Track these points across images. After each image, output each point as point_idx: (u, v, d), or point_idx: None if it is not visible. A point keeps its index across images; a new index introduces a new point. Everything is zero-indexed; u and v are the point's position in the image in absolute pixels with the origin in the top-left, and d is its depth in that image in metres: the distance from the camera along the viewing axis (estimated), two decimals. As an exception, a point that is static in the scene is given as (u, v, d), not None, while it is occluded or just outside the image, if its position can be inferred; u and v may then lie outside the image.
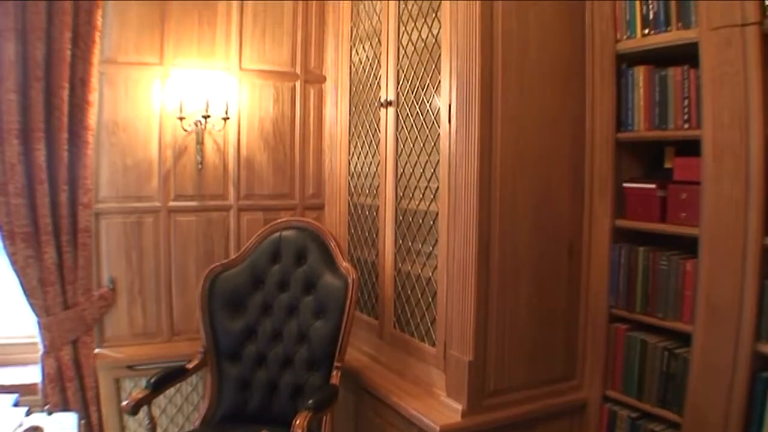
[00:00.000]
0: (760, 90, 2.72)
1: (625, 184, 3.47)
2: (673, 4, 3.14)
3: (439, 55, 3.49)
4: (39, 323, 4.01)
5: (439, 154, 3.51)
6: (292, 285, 3.96)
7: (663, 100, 3.22)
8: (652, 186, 3.31)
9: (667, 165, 3.42)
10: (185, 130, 4.51)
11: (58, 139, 3.98)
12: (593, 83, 3.53)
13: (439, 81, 3.49)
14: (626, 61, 3.42)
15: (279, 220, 4.22)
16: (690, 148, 3.07)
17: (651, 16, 3.25)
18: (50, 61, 3.94)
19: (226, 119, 4.58)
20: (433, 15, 3.60)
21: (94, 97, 4.14)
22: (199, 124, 4.51)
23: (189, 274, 4.61)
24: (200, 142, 4.56)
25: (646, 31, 3.28)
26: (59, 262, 4.04)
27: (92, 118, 4.13)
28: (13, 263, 3.90)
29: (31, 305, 3.98)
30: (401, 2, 3.92)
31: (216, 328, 3.93)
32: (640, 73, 3.33)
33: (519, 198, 3.34)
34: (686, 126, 3.10)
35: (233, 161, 4.72)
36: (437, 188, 3.55)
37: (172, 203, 4.55)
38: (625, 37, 3.39)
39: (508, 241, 3.32)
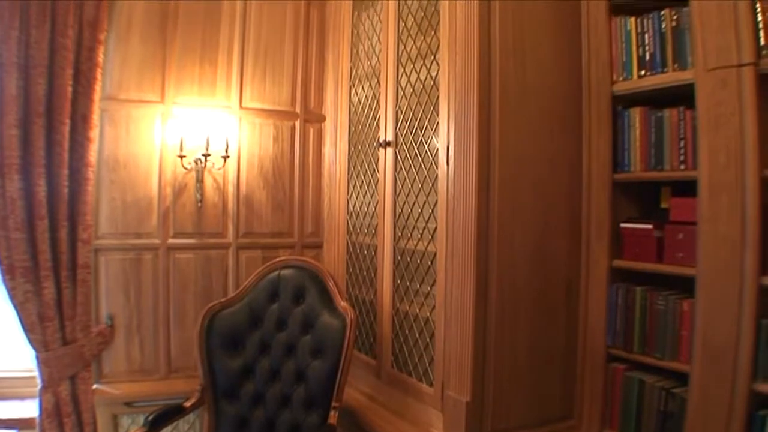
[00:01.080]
0: (755, 130, 2.74)
1: (622, 225, 3.48)
2: (669, 46, 3.19)
3: (438, 97, 3.53)
4: (37, 358, 4.00)
5: (437, 194, 3.53)
6: (290, 324, 3.96)
7: (659, 141, 3.25)
8: (649, 226, 3.33)
9: (664, 205, 3.44)
10: (185, 168, 4.54)
11: (59, 174, 4.01)
12: (590, 124, 3.55)
13: (438, 123, 3.52)
14: (622, 102, 3.45)
15: (277, 259, 4.23)
16: (686, 187, 3.09)
17: (647, 57, 3.30)
18: (52, 97, 3.99)
19: (226, 158, 4.61)
20: (432, 57, 3.64)
21: (95, 133, 4.18)
22: (199, 162, 4.54)
23: (187, 311, 4.60)
24: (200, 180, 4.58)
25: (642, 72, 3.32)
26: (58, 297, 4.04)
27: (93, 155, 4.17)
28: (12, 297, 3.91)
29: (30, 340, 3.98)
30: (400, 44, 3.98)
31: (214, 366, 3.92)
32: (636, 115, 3.37)
33: (517, 239, 3.35)
34: (682, 167, 3.13)
35: (233, 199, 4.74)
36: (435, 229, 3.56)
37: (171, 240, 4.56)
38: (621, 78, 3.43)
39: (505, 282, 3.32)
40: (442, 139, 3.44)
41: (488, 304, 3.28)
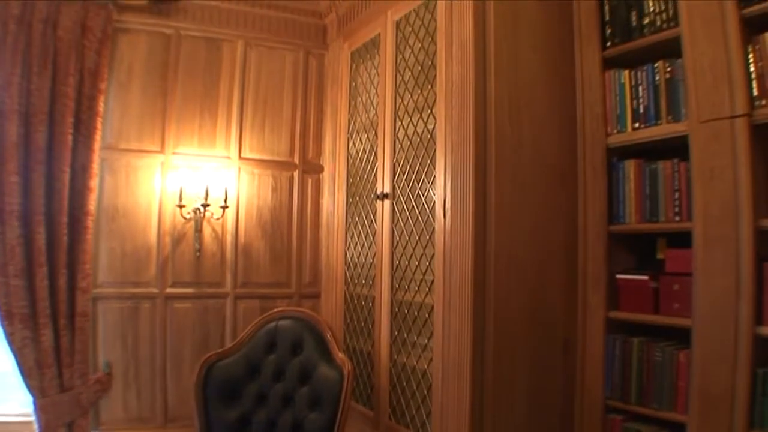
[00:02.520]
0: (749, 182, 2.76)
1: (619, 276, 3.48)
2: (662, 98, 3.23)
3: (434, 150, 3.56)
4: (35, 404, 4.00)
5: (434, 247, 3.54)
6: (287, 375, 3.94)
7: (654, 193, 3.27)
8: (645, 278, 3.33)
9: (660, 256, 3.45)
10: (184, 218, 4.58)
11: (59, 222, 4.05)
12: (585, 176, 3.57)
13: (434, 176, 3.55)
14: (617, 154, 3.48)
15: (275, 310, 4.22)
16: (682, 238, 3.10)
17: (641, 109, 3.33)
18: (52, 145, 4.05)
19: (225, 207, 4.64)
20: (429, 111, 3.69)
21: (94, 182, 4.23)
22: (198, 211, 4.57)
23: (184, 361, 4.60)
24: (199, 230, 4.61)
25: (637, 124, 3.35)
26: (56, 344, 4.05)
27: (93, 204, 4.22)
28: (11, 343, 3.93)
29: (28, 386, 3.98)
30: (398, 97, 4.03)
31: (211, 417, 3.89)
32: (630, 167, 3.39)
33: (513, 291, 3.35)
34: (677, 218, 3.14)
35: (231, 249, 4.77)
36: (432, 281, 3.56)
37: (169, 290, 4.58)
38: (615, 130, 3.46)
39: (503, 335, 3.31)
40: (439, 192, 3.47)
41: (485, 357, 3.26)
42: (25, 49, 4.05)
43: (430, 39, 3.72)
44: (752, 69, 2.82)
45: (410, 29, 3.96)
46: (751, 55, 2.82)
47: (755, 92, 2.80)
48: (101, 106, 4.27)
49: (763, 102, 2.77)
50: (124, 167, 4.51)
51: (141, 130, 4.58)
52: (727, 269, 2.81)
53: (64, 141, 4.07)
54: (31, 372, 3.97)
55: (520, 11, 3.49)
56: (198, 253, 4.63)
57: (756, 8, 2.79)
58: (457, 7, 3.43)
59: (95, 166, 4.24)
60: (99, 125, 4.25)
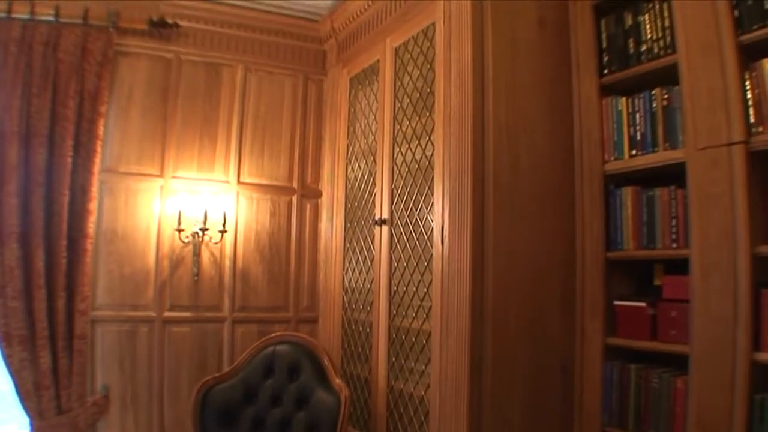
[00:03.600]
0: (746, 209, 2.76)
1: (616, 302, 3.47)
2: (660, 125, 3.24)
3: (433, 176, 3.58)
4: (32, 426, 3.98)
5: (432, 273, 3.54)
6: (284, 400, 3.94)
7: (651, 220, 3.28)
8: (643, 304, 3.33)
9: (657, 282, 3.45)
10: (183, 242, 4.58)
11: (57, 245, 4.05)
12: (582, 203, 3.58)
13: (432, 202, 3.57)
14: (614, 181, 3.49)
15: (273, 335, 4.23)
16: (679, 265, 3.10)
17: (638, 137, 3.35)
18: (52, 167, 4.07)
19: (223, 232, 4.65)
20: (427, 138, 3.71)
21: (93, 205, 4.24)
22: (196, 235, 4.58)
23: (181, 385, 4.57)
24: (197, 254, 4.62)
25: (634, 152, 3.37)
26: (54, 366, 4.04)
27: (91, 226, 4.22)
28: (9, 365, 3.92)
29: (25, 408, 3.97)
30: (396, 123, 4.06)
31: (207, 441, 3.89)
32: (627, 194, 3.40)
33: (511, 318, 3.35)
34: (674, 245, 3.14)
35: (229, 273, 4.76)
36: (430, 307, 3.56)
37: (167, 313, 4.57)
38: (612, 158, 3.47)
39: (500, 362, 3.31)
40: (437, 219, 3.48)
41: (483, 383, 3.26)
42: (25, 71, 4.08)
43: (428, 66, 3.76)
44: (749, 96, 2.83)
45: (409, 56, 4.00)
46: (748, 82, 2.84)
47: (752, 119, 2.81)
48: (101, 129, 4.29)
49: (761, 129, 2.78)
50: (124, 190, 4.52)
51: (141, 153, 4.59)
52: (724, 296, 2.81)
53: (63, 163, 4.08)
54: (29, 394, 3.96)
55: (518, 38, 3.53)
56: (196, 277, 4.63)
57: (753, 35, 2.81)
58: (455, 35, 3.47)
59: (94, 189, 4.25)
60: (99, 148, 4.27)
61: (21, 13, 4.17)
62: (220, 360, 4.71)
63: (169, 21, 4.66)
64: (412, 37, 3.95)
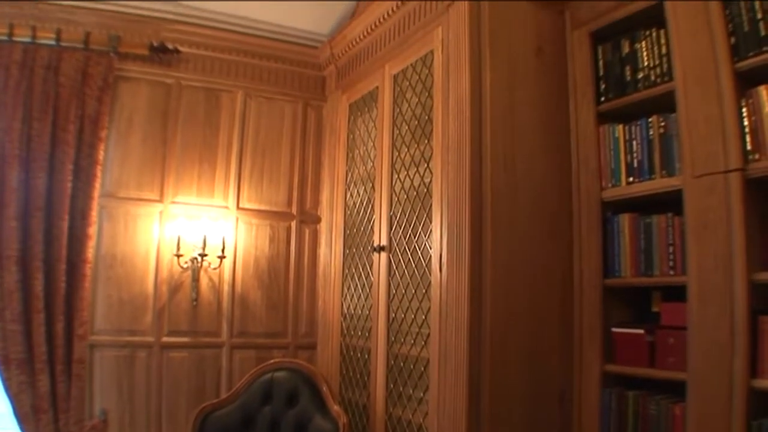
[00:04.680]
0: (743, 236, 2.77)
1: (614, 329, 3.48)
2: (656, 152, 3.26)
3: (431, 204, 3.60)
4: (30, 450, 3.96)
5: (430, 301, 3.55)
6: (282, 427, 3.93)
7: (648, 246, 3.29)
8: (641, 331, 3.33)
9: (655, 309, 3.45)
10: (182, 267, 4.58)
11: (57, 269, 4.05)
12: (580, 230, 3.60)
13: (431, 229, 3.58)
14: (612, 208, 3.51)
15: (271, 361, 4.22)
16: (677, 291, 3.10)
17: (635, 164, 3.37)
18: (52, 192, 4.08)
19: (222, 257, 4.65)
20: (425, 165, 3.73)
21: (93, 230, 4.24)
22: (195, 261, 4.57)
23: (180, 410, 4.55)
24: (196, 279, 4.61)
25: (631, 179, 3.39)
26: (53, 390, 4.03)
27: (91, 251, 4.22)
28: (7, 388, 3.91)
29: (23, 431, 3.94)
30: (395, 150, 4.08)
31: (205, 468, 3.88)
32: (625, 221, 3.41)
33: (509, 346, 3.35)
34: (672, 272, 3.15)
35: (228, 299, 4.76)
36: (428, 335, 3.56)
37: (165, 339, 4.56)
38: (610, 185, 3.49)
39: (498, 390, 3.30)
40: (435, 246, 3.49)
41: (481, 412, 3.25)
42: (26, 94, 4.10)
43: (427, 94, 3.78)
44: (746, 123, 2.84)
45: (408, 84, 4.02)
46: (744, 109, 2.85)
47: (749, 146, 2.82)
48: (101, 154, 4.31)
49: (757, 156, 2.79)
50: (123, 215, 4.53)
51: (140, 178, 4.61)
52: (722, 323, 2.81)
53: (63, 188, 4.10)
54: (27, 417, 3.94)
55: (516, 66, 3.57)
56: (195, 303, 4.63)
57: (749, 62, 2.83)
58: (453, 63, 3.50)
59: (94, 214, 4.26)
60: (98, 173, 4.28)
61: (23, 36, 4.21)
62: (218, 386, 4.69)
63: (170, 46, 4.70)
64: (411, 64, 3.98)
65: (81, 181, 4.20)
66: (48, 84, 4.16)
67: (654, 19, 3.30)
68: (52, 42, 4.26)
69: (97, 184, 4.28)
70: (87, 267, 4.18)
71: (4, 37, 4.15)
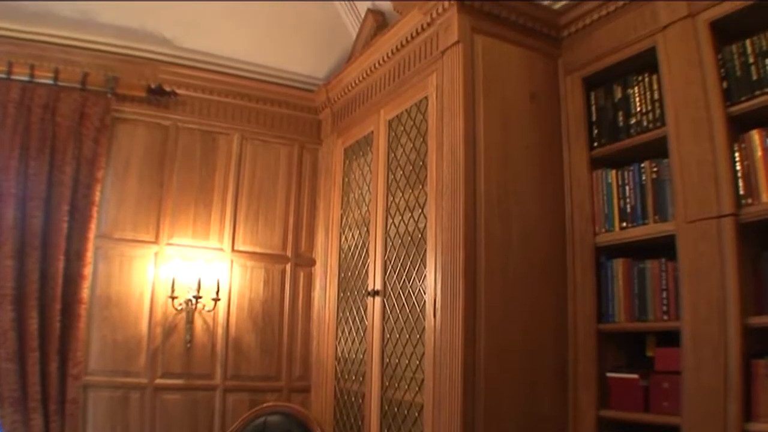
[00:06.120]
0: (736, 281, 2.78)
1: (609, 374, 3.46)
2: (649, 198, 3.28)
3: (425, 249, 3.61)
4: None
5: (424, 346, 3.54)
6: (275, 472, 3.89)
7: (642, 291, 3.29)
8: (635, 376, 3.32)
9: (650, 353, 3.44)
10: (176, 309, 4.58)
11: (52, 309, 4.05)
12: (574, 275, 3.60)
13: (425, 274, 3.58)
14: (605, 253, 3.52)
15: (264, 405, 4.20)
16: (672, 335, 3.10)
17: (628, 209, 3.39)
18: (47, 231, 4.09)
19: (216, 300, 4.64)
20: (420, 210, 3.75)
21: (88, 270, 4.24)
22: (190, 303, 4.57)
23: (172, 454, 4.52)
24: (190, 321, 4.60)
25: (624, 224, 3.41)
26: (46, 430, 4.00)
27: (86, 292, 4.21)
28: (0, 426, 3.87)
29: (16, 471, 3.91)
30: (389, 195, 4.10)
31: None
32: (619, 266, 3.42)
33: (504, 392, 3.34)
34: (665, 317, 3.15)
35: (222, 341, 4.74)
36: (422, 380, 3.55)
37: (159, 381, 4.53)
38: (603, 230, 3.51)
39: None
40: (429, 292, 3.50)
41: (475, 460, 3.24)
42: (23, 133, 4.13)
43: (421, 139, 3.82)
44: (738, 167, 2.87)
45: (402, 129, 4.07)
46: (737, 154, 2.88)
47: (742, 191, 2.85)
48: (97, 195, 4.32)
49: (750, 201, 2.82)
50: (118, 256, 4.53)
51: (136, 219, 4.62)
52: (716, 367, 2.81)
53: (59, 228, 4.11)
54: (20, 457, 3.92)
55: (509, 112, 3.61)
56: (188, 345, 4.61)
57: (742, 106, 2.87)
58: (447, 109, 3.54)
59: (90, 255, 4.26)
60: (95, 214, 4.29)
61: (21, 74, 4.25)
62: (211, 429, 4.65)
63: (167, 89, 4.74)
64: (406, 110, 4.03)
65: (77, 221, 4.20)
66: (45, 123, 4.19)
67: (646, 64, 3.35)
68: (50, 81, 4.30)
69: (93, 225, 4.28)
70: (82, 307, 4.17)
71: (3, 75, 4.20)
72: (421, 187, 3.77)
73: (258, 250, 4.97)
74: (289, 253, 5.08)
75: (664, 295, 3.18)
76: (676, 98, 3.12)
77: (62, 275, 4.10)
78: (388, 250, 4.05)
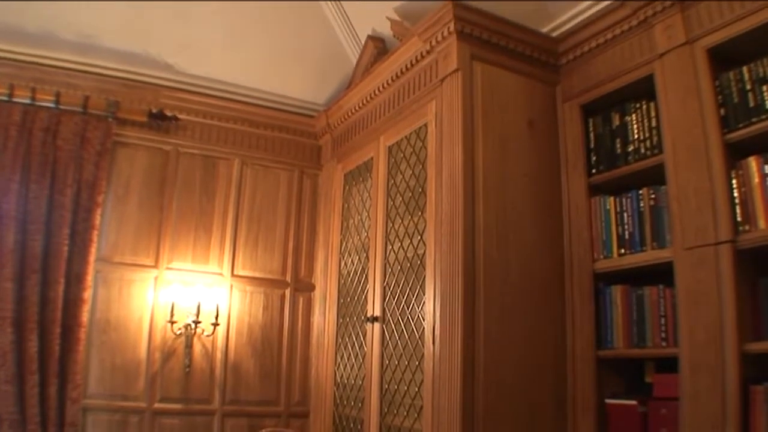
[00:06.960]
0: (734, 307, 2.78)
1: (608, 401, 3.45)
2: (647, 224, 3.29)
3: (424, 276, 3.62)
4: None
5: (423, 373, 3.54)
6: (273, 499, 3.87)
7: (640, 318, 3.29)
8: (634, 402, 3.31)
9: (648, 380, 3.44)
10: (175, 333, 4.58)
11: (51, 332, 4.05)
12: (573, 302, 3.61)
13: (424, 301, 3.59)
14: (604, 279, 3.52)
15: (263, 430, 4.18)
16: (670, 362, 3.09)
17: (627, 236, 3.40)
18: (48, 254, 4.10)
19: (216, 325, 4.64)
20: (419, 237, 3.77)
21: (88, 294, 4.25)
22: (189, 327, 4.57)
23: (170, 478, 4.50)
24: (189, 346, 4.60)
25: (622, 250, 3.41)
26: (45, 453, 3.98)
27: (85, 315, 4.22)
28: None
29: (14, 493, 3.89)
30: (389, 221, 4.12)
31: None
32: (617, 293, 3.42)
33: (503, 420, 3.32)
34: (664, 344, 3.15)
35: (221, 366, 4.73)
36: (421, 407, 3.53)
37: (157, 405, 4.52)
38: (602, 256, 3.51)
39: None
40: (428, 319, 3.50)
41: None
42: (25, 156, 4.16)
43: (420, 166, 3.85)
44: (736, 194, 2.89)
45: (402, 155, 4.09)
46: (734, 181, 2.90)
47: (739, 218, 2.86)
48: (98, 219, 4.34)
49: (747, 227, 2.83)
50: (118, 280, 4.54)
51: (136, 244, 4.63)
52: (714, 393, 2.81)
53: (59, 251, 4.12)
54: (19, 479, 3.90)
55: (508, 139, 3.63)
56: (187, 369, 4.60)
57: (739, 133, 2.89)
58: (446, 136, 3.56)
59: (89, 278, 4.27)
60: (95, 238, 4.31)
61: (22, 97, 4.29)
62: (208, 454, 4.65)
63: (168, 114, 4.78)
64: (405, 136, 4.06)
65: (77, 244, 4.22)
66: (46, 147, 4.22)
67: (644, 91, 3.38)
68: (52, 104, 4.34)
69: (93, 249, 4.30)
70: (81, 331, 4.18)
71: (4, 98, 4.23)
72: (420, 213, 3.79)
73: (257, 275, 4.98)
74: (288, 278, 5.09)
75: (663, 321, 3.18)
76: (674, 125, 3.14)
77: (62, 298, 4.11)
78: (388, 276, 4.05)
